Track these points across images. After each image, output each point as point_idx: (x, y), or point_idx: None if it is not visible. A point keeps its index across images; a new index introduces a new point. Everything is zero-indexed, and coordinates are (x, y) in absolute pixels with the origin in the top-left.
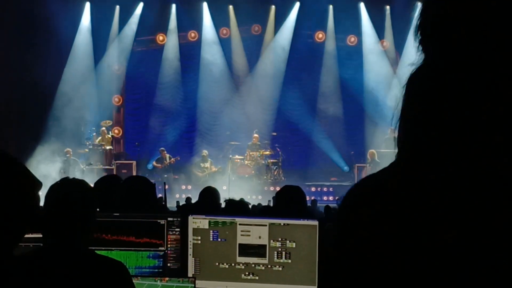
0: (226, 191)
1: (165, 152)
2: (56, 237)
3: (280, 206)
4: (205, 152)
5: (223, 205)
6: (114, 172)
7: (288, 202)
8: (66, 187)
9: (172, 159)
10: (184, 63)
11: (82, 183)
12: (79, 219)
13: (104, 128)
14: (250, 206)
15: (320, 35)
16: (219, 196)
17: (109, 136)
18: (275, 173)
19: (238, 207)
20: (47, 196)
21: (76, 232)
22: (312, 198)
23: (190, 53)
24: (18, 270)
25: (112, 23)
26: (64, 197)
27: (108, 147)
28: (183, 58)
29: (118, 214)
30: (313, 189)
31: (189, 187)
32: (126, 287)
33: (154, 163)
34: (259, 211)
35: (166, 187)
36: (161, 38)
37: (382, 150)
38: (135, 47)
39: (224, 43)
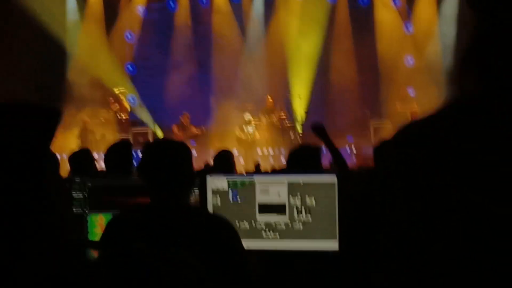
0: (239, 155)
1: (188, 118)
2: (164, 193)
3: (293, 167)
4: (248, 116)
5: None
6: (132, 141)
7: (302, 164)
8: (170, 146)
9: (197, 129)
10: (197, 29)
11: (182, 142)
12: (186, 175)
13: (121, 96)
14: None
15: None
16: (233, 159)
17: (128, 104)
18: (292, 135)
19: None
20: (149, 154)
21: (183, 188)
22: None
23: (202, 19)
24: (127, 226)
25: None
26: (172, 154)
27: (124, 115)
28: (195, 24)
29: (135, 178)
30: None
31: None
32: (235, 242)
33: (174, 128)
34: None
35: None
36: (172, 4)
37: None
38: (146, 14)
39: (235, 7)
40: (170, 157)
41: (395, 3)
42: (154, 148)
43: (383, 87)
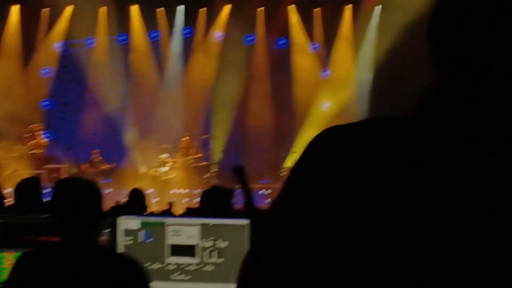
0: (154, 193)
1: (99, 155)
2: (73, 232)
3: (205, 207)
4: (164, 156)
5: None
6: (45, 177)
7: (214, 204)
8: (81, 185)
9: (108, 165)
10: (114, 66)
11: (93, 182)
12: (95, 215)
13: (36, 132)
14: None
15: (250, 38)
16: (144, 198)
17: (44, 140)
18: (207, 175)
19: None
20: (60, 193)
21: (93, 227)
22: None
23: (119, 56)
24: (36, 264)
25: (40, 26)
26: (82, 194)
27: (38, 151)
28: (113, 61)
29: (46, 215)
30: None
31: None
32: (141, 283)
33: (83, 166)
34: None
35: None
36: (90, 41)
37: None
38: (63, 50)
39: (154, 46)
40: (80, 196)
41: (313, 48)
42: (65, 186)
43: (299, 130)
